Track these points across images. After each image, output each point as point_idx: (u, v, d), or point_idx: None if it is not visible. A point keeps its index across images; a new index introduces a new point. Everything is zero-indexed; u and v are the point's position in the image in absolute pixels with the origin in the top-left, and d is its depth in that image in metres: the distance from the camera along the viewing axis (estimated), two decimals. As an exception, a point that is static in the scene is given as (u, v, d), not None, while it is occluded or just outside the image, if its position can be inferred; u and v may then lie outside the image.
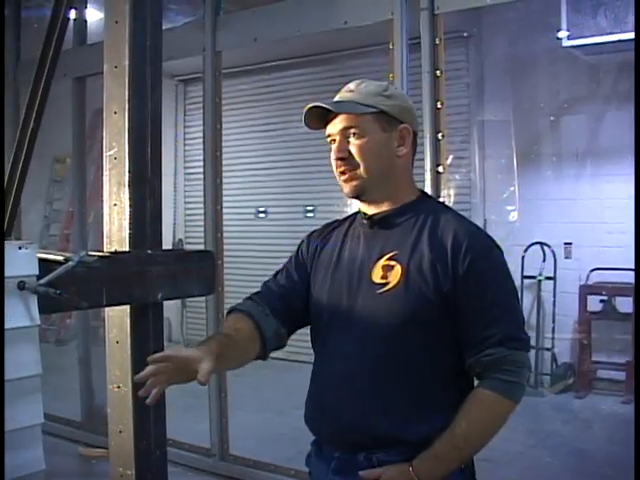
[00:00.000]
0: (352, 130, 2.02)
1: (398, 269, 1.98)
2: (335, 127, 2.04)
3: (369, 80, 2.12)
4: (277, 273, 2.28)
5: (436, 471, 1.90)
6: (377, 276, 2.00)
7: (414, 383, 1.95)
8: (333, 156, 2.06)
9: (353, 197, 2.08)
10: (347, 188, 2.06)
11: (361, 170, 2.03)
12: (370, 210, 2.11)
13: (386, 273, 1.99)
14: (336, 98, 2.09)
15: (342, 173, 2.05)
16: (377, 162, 2.04)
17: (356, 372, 2.00)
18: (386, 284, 1.98)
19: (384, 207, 2.08)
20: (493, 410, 1.93)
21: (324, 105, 2.02)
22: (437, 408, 1.96)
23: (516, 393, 1.93)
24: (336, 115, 2.04)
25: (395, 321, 1.96)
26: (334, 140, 2.06)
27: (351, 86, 2.09)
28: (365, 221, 2.11)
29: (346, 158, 2.03)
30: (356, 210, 2.20)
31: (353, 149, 2.02)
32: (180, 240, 9.94)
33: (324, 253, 2.20)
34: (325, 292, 2.13)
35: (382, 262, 2.01)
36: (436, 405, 1.96)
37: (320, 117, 2.07)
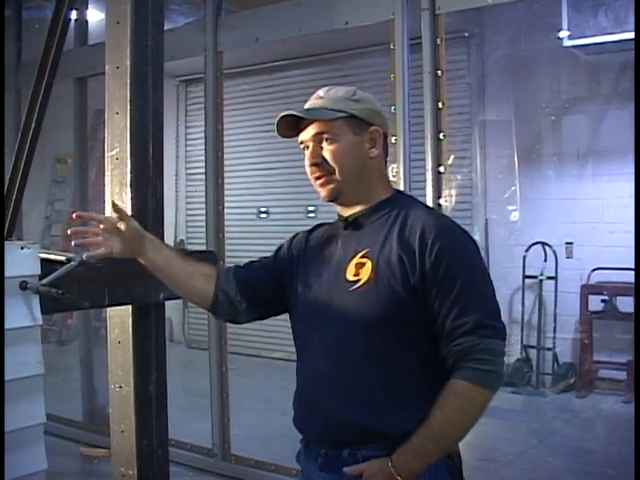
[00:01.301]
0: (324, 135, 2.07)
1: (369, 265, 2.01)
2: (307, 134, 2.09)
3: (337, 86, 2.17)
4: (252, 262, 2.38)
5: (414, 465, 1.90)
6: (350, 274, 2.04)
7: (392, 378, 1.97)
8: (307, 162, 2.11)
9: (330, 200, 2.13)
10: (323, 192, 2.12)
11: (336, 174, 2.08)
12: (346, 211, 2.15)
13: (358, 270, 2.03)
14: (306, 105, 2.14)
15: (317, 178, 2.10)
16: (350, 165, 2.09)
17: (335, 369, 2.03)
18: (358, 281, 2.01)
19: (359, 207, 2.13)
20: (467, 400, 1.90)
21: (295, 113, 2.07)
22: (417, 402, 1.97)
23: (490, 381, 1.91)
24: (308, 122, 2.09)
25: (368, 317, 1.98)
26: (307, 147, 2.11)
27: (320, 93, 2.14)
28: (341, 223, 2.17)
29: (320, 164, 2.08)
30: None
31: (327, 154, 2.07)
32: (181, 240, 9.94)
33: (307, 255, 2.25)
34: (306, 293, 2.18)
35: (355, 260, 2.05)
36: (416, 399, 1.97)
37: (292, 125, 2.12)
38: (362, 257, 2.03)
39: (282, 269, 2.27)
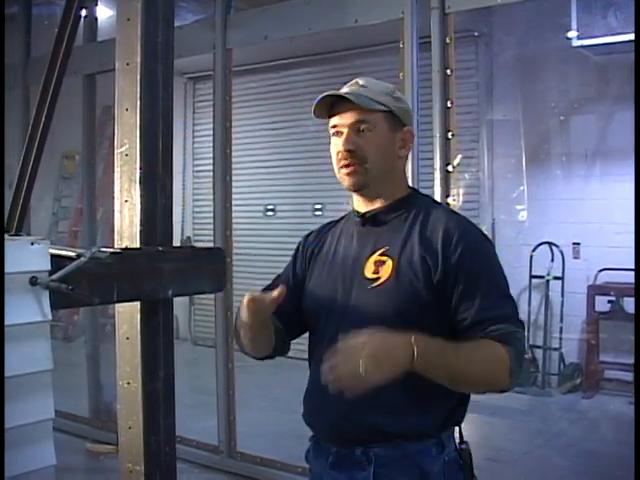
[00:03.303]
0: (364, 125, 2.03)
1: (389, 264, 1.99)
2: (346, 119, 2.04)
3: (374, 79, 2.13)
4: (277, 277, 2.30)
5: (430, 355, 1.80)
6: (369, 271, 2.02)
7: (408, 377, 1.93)
8: (340, 147, 2.05)
9: (354, 190, 2.09)
10: (349, 181, 2.06)
11: (368, 165, 2.03)
12: (364, 206, 2.13)
13: (378, 268, 2.01)
14: (344, 90, 2.08)
15: (346, 166, 2.05)
16: (382, 159, 2.06)
17: None
18: (377, 279, 2.00)
19: (377, 204, 2.11)
20: (498, 364, 1.84)
21: (343, 94, 2.02)
22: (432, 402, 1.96)
23: (516, 374, 1.86)
24: (346, 108, 2.04)
25: (387, 315, 1.96)
26: (339, 132, 2.06)
27: (361, 81, 2.09)
28: (358, 219, 2.14)
29: (354, 151, 2.03)
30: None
31: (364, 143, 2.03)
32: (188, 238, 9.95)
33: (320, 254, 2.23)
34: (321, 291, 2.16)
35: (374, 258, 2.03)
36: (431, 399, 1.96)
37: (326, 107, 2.07)
38: (381, 255, 2.02)
39: (301, 280, 2.23)
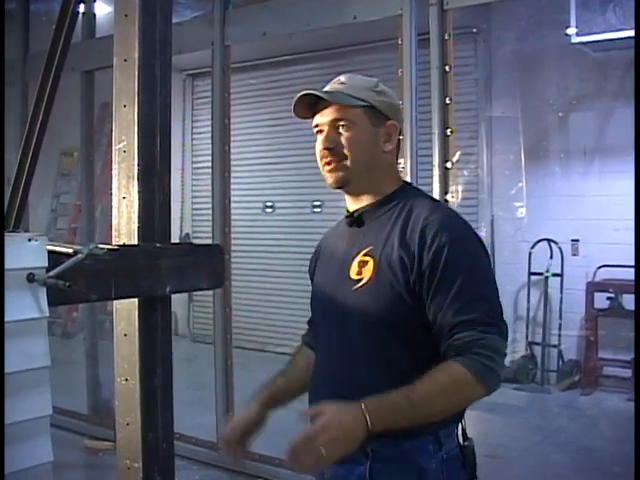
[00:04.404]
0: (342, 122, 2.04)
1: (371, 264, 1.99)
2: (325, 117, 2.06)
3: (359, 75, 2.14)
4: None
5: (385, 416, 1.82)
6: (354, 272, 2.02)
7: (395, 377, 1.93)
8: (320, 146, 2.07)
9: (336, 187, 2.09)
10: (331, 178, 2.07)
11: (348, 161, 2.04)
12: (353, 204, 2.13)
13: (361, 269, 2.01)
14: (326, 88, 2.10)
15: (327, 163, 2.06)
16: (364, 155, 2.06)
17: (340, 368, 2.04)
18: (360, 280, 2.00)
19: (365, 201, 2.10)
20: (458, 385, 1.85)
21: (317, 93, 2.04)
22: None
23: (487, 378, 1.85)
24: (326, 106, 2.05)
25: (369, 317, 1.97)
26: (321, 131, 2.07)
27: (342, 78, 2.10)
28: (346, 219, 2.15)
29: (333, 149, 2.04)
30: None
31: (342, 140, 2.03)
32: (187, 234, 9.95)
33: (322, 254, 2.26)
34: (318, 290, 2.20)
35: (359, 258, 2.03)
36: None
37: (309, 107, 2.09)
38: (365, 255, 2.02)
39: None
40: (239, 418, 2.33)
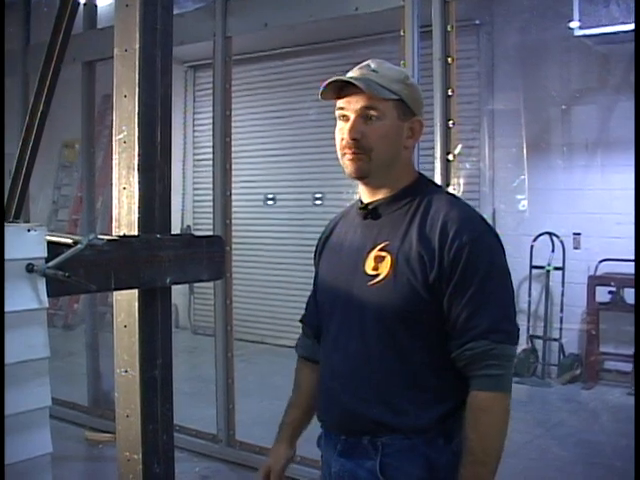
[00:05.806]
0: (372, 112, 1.96)
1: (388, 260, 1.96)
2: (354, 104, 1.98)
3: (387, 63, 2.06)
4: (308, 305, 2.35)
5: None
6: (369, 267, 1.99)
7: (408, 373, 1.94)
8: (344, 135, 1.99)
9: (356, 178, 2.03)
10: (351, 167, 2.00)
11: (372, 154, 1.98)
12: (367, 196, 2.08)
13: (377, 264, 1.98)
14: (354, 74, 2.01)
15: (350, 153, 1.99)
16: (388, 149, 2.00)
17: (352, 363, 2.02)
18: (377, 275, 1.97)
19: (381, 194, 2.06)
20: (493, 411, 1.91)
21: (351, 80, 1.96)
22: (433, 396, 1.97)
23: (504, 384, 1.93)
24: (355, 92, 1.97)
25: (385, 313, 1.95)
26: (346, 117, 2.00)
27: (372, 65, 2.01)
28: (360, 211, 2.10)
29: (360, 140, 1.97)
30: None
31: (369, 132, 1.97)
32: (188, 226, 9.94)
33: (330, 242, 2.22)
34: (327, 283, 2.16)
35: (374, 253, 2.00)
36: (433, 395, 1.97)
37: (335, 90, 2.01)
38: (381, 250, 1.98)
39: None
40: (274, 463, 2.31)
